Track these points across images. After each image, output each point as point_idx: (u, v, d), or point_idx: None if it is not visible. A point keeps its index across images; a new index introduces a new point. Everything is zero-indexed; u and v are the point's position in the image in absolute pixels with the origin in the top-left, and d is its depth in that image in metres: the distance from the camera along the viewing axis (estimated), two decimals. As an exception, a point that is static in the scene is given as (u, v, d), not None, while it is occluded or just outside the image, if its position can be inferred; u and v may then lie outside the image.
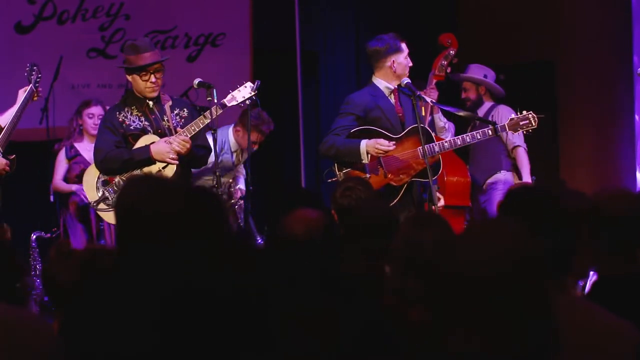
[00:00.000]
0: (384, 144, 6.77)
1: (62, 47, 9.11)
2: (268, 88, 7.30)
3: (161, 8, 9.77)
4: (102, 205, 6.74)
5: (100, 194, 6.68)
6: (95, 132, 8.20)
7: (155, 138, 6.70)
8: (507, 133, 7.49)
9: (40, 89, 6.98)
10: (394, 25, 9.96)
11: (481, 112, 8.36)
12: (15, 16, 9.07)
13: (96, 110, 8.32)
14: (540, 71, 10.00)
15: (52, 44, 9.20)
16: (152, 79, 6.74)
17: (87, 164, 8.14)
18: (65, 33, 9.52)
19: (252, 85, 6.93)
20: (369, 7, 10.62)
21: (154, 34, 9.22)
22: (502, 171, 8.22)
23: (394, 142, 6.82)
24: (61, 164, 8.30)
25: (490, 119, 8.10)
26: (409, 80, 6.98)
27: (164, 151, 6.61)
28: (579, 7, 9.89)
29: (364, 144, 6.83)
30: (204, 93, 6.98)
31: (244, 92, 6.92)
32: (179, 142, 6.60)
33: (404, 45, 7.07)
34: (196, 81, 6.92)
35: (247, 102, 6.95)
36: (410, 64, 7.09)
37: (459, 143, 7.02)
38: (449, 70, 7.86)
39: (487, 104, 8.43)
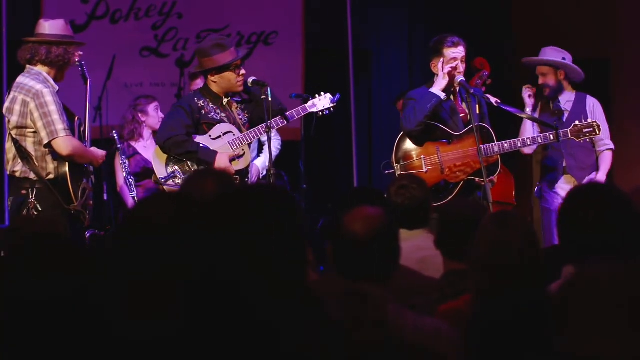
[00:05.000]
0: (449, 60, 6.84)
1: (115, 46, 9.16)
2: (320, 87, 7.30)
3: (213, 7, 9.78)
4: (170, 182, 6.78)
5: (170, 170, 6.73)
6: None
7: (231, 127, 6.84)
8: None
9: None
10: (447, 24, 9.91)
11: (563, 100, 7.92)
12: (69, 15, 9.09)
13: (158, 104, 8.41)
14: (595, 69, 9.88)
15: (105, 43, 9.24)
16: (243, 71, 6.88)
17: (146, 162, 8.17)
18: (118, 32, 9.57)
19: (332, 97, 7.08)
20: (422, 5, 10.56)
21: (207, 33, 9.23)
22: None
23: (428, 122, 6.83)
24: (122, 166, 8.30)
25: (588, 112, 7.75)
26: (463, 79, 6.91)
27: (224, 165, 6.67)
28: (635, 5, 9.78)
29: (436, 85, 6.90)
30: (257, 91, 6.99)
31: (324, 102, 7.08)
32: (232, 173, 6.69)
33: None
34: (250, 79, 6.94)
35: (325, 112, 7.04)
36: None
37: (519, 145, 6.96)
38: (483, 89, 7.66)
39: (569, 94, 7.97)
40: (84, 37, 8.81)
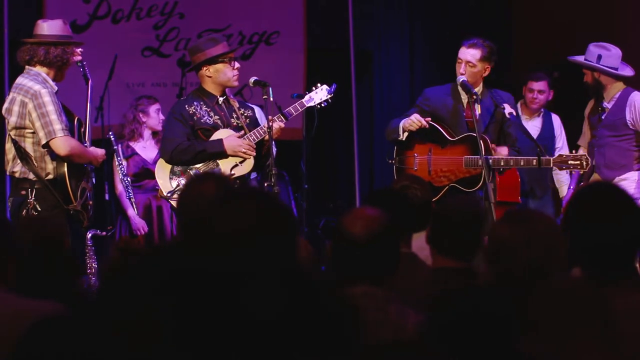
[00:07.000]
0: (416, 118, 6.77)
1: (117, 46, 9.14)
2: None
3: (215, 7, 9.78)
4: (176, 196, 6.75)
5: (175, 184, 6.71)
6: (161, 128, 8.29)
7: (230, 132, 6.77)
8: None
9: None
10: (448, 24, 9.92)
11: (608, 97, 7.55)
12: (70, 15, 9.09)
13: (159, 106, 8.43)
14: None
15: (106, 43, 9.24)
16: (237, 65, 6.84)
17: (145, 163, 8.19)
18: (119, 32, 9.57)
19: (329, 88, 6.99)
20: (423, 6, 10.56)
21: (208, 33, 9.21)
22: (635, 169, 7.44)
23: (426, 120, 6.79)
24: (118, 167, 8.30)
25: (626, 111, 7.44)
26: (465, 79, 6.84)
27: (236, 144, 6.67)
28: (635, 4, 9.77)
29: (402, 120, 6.85)
30: (259, 91, 6.98)
31: (320, 95, 6.99)
32: (248, 147, 6.67)
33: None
34: (252, 79, 6.92)
35: (324, 104, 6.99)
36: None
37: (502, 164, 6.73)
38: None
39: (616, 90, 7.56)
40: (86, 37, 8.82)
